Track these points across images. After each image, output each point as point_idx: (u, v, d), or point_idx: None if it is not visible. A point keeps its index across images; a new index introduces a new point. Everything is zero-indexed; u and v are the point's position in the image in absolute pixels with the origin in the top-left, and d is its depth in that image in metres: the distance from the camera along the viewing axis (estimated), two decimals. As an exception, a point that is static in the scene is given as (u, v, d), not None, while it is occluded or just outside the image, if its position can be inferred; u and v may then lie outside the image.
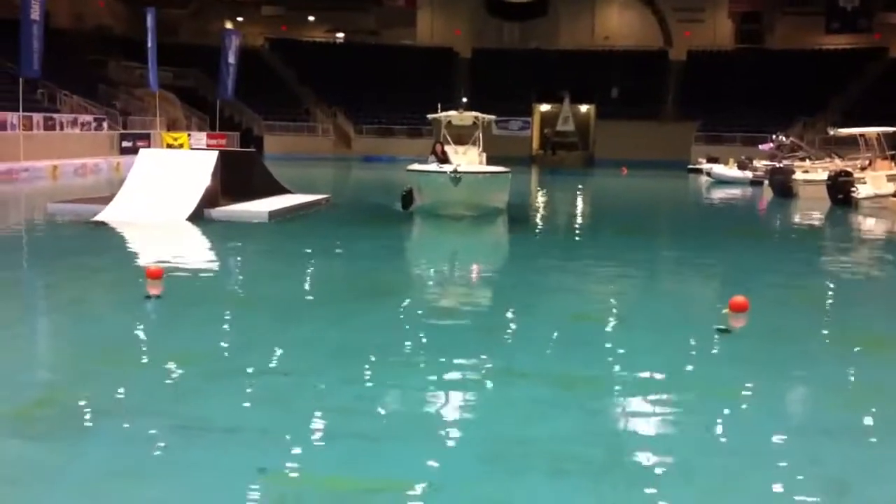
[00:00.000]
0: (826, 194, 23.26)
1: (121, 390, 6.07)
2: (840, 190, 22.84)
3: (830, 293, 11.01)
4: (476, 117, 20.54)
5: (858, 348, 7.90)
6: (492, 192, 17.58)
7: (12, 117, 30.37)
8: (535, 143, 57.98)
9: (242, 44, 44.42)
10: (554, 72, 57.47)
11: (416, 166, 17.98)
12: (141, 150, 19.09)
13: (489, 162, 19.83)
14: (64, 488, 4.48)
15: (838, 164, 27.26)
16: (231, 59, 40.96)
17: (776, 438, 5.34)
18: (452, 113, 20.47)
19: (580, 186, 34.61)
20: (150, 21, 35.72)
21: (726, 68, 56.37)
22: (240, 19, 61.63)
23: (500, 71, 57.41)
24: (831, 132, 29.54)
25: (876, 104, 44.14)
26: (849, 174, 23.48)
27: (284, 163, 35.78)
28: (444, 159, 18.47)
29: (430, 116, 21.20)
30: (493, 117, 21.45)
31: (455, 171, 15.97)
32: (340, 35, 64.30)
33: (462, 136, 21.41)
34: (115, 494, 4.43)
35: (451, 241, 15.50)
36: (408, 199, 17.92)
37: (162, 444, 5.08)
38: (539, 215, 21.63)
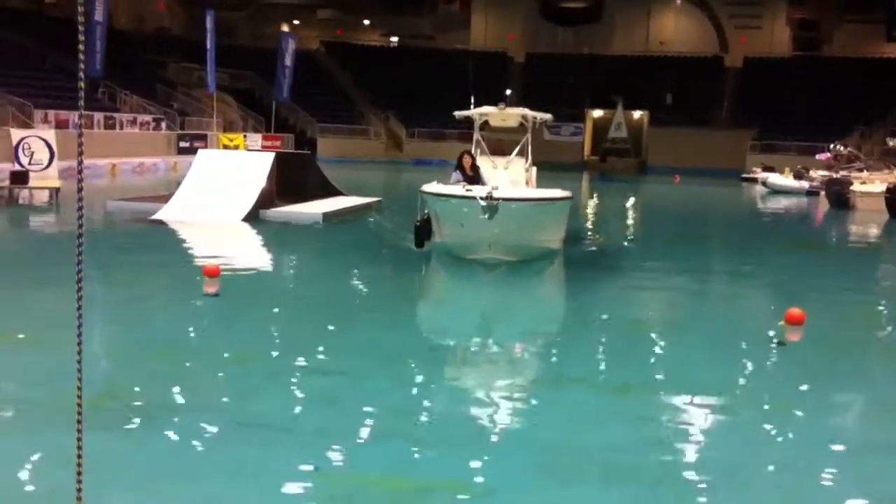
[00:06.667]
0: (884, 206, 22.85)
1: (181, 386, 6.22)
2: (899, 202, 22.44)
3: (888, 309, 10.84)
4: (524, 117, 15.04)
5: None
6: (542, 227, 12.46)
7: (74, 116, 31.06)
8: (587, 149, 57.70)
9: (298, 46, 44.89)
10: (607, 77, 57.17)
11: (433, 186, 12.49)
12: (199, 151, 19.46)
13: (539, 177, 15.24)
14: (126, 479, 4.61)
15: (898, 175, 26.76)
16: (287, 62, 41.43)
17: (831, 453, 5.30)
18: (490, 109, 14.91)
19: (633, 194, 34.39)
20: (209, 23, 36.28)
21: (783, 76, 55.52)
22: (296, 22, 62.27)
23: (553, 76, 57.24)
24: (891, 143, 28.97)
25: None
26: (908, 186, 23.04)
27: (337, 165, 36.07)
28: (473, 177, 13.29)
29: (458, 114, 15.69)
30: (548, 116, 15.81)
31: (489, 197, 11.06)
32: (394, 39, 64.67)
33: (504, 144, 16.51)
34: (173, 487, 4.55)
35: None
36: (424, 231, 12.83)
37: (219, 440, 5.21)
38: (591, 220, 21.51)
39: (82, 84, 2.64)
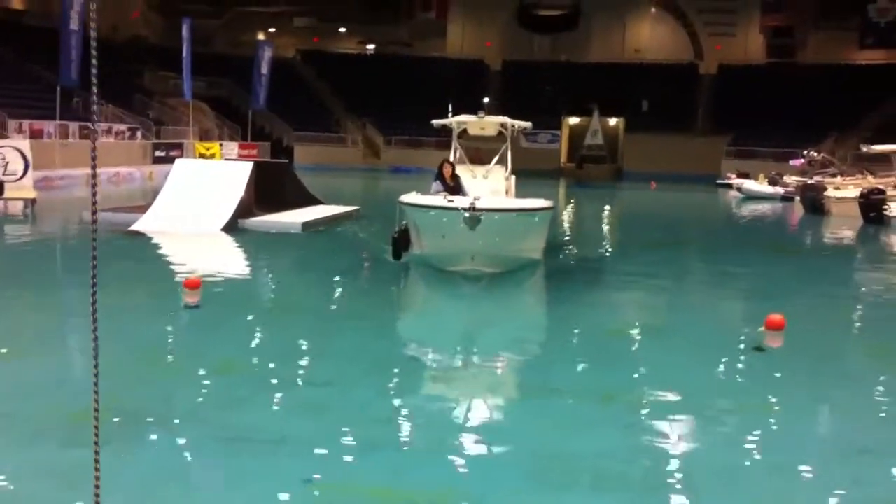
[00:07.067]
0: (858, 212, 23.10)
1: (167, 398, 6.19)
2: (872, 207, 22.69)
3: (866, 313, 10.96)
4: (503, 125, 14.83)
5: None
6: (524, 237, 12.19)
7: (49, 126, 30.84)
8: (564, 156, 58.01)
9: (274, 55, 44.83)
10: (584, 84, 57.51)
11: (412, 197, 12.23)
12: (177, 161, 19.34)
13: (516, 185, 14.91)
14: (115, 494, 4.57)
15: (871, 181, 27.07)
16: (264, 70, 41.39)
17: (819, 457, 5.37)
18: (468, 118, 14.66)
19: (611, 201, 34.58)
20: (186, 31, 36.16)
21: (757, 82, 56.09)
22: (272, 30, 62.18)
23: (530, 83, 57.52)
24: (864, 149, 29.30)
25: (909, 120, 43.76)
26: (881, 192, 23.32)
27: (314, 173, 35.99)
28: (454, 187, 13.03)
29: (436, 122, 15.57)
30: (527, 124, 15.66)
31: (472, 208, 10.77)
32: (371, 46, 64.75)
33: (482, 152, 16.19)
34: (164, 501, 4.53)
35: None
36: (402, 242, 12.58)
37: (208, 453, 5.19)
38: (570, 229, 21.58)
39: (95, 98, 2.64)
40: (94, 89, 2.53)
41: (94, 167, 2.61)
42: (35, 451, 5.11)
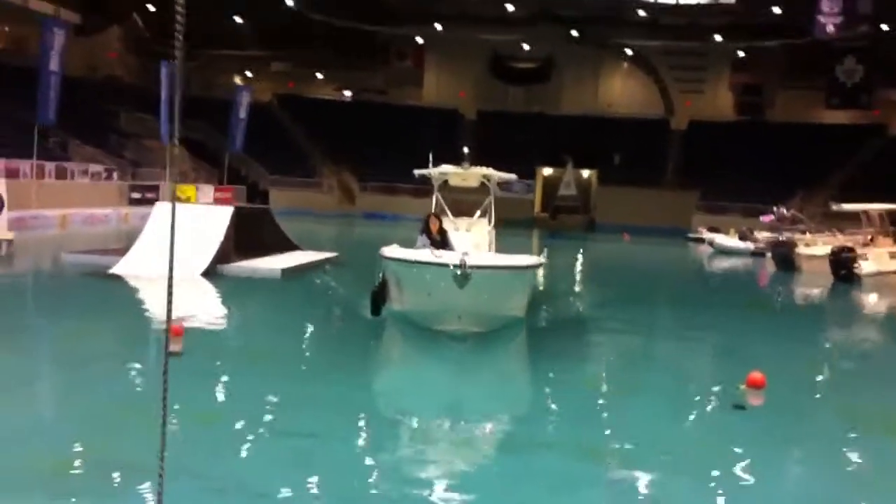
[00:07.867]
0: (828, 269, 23.43)
1: (153, 449, 6.14)
2: (843, 265, 23.03)
3: (842, 371, 11.16)
4: (485, 176, 14.57)
5: (876, 427, 8.01)
6: (512, 295, 11.59)
7: (25, 165, 30.67)
8: (538, 206, 58.50)
9: (251, 99, 45.01)
10: (557, 136, 58.18)
11: (395, 251, 11.62)
12: (156, 204, 19.28)
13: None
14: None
15: (840, 238, 27.53)
16: (242, 115, 41.53)
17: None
18: (451, 168, 14.38)
19: (586, 253, 34.81)
20: (164, 74, 36.20)
21: (727, 138, 57.07)
22: (248, 74, 62.47)
23: (504, 134, 58.05)
24: (833, 207, 29.79)
25: (874, 180, 44.62)
26: (851, 250, 23.72)
27: (289, 217, 35.98)
28: (441, 242, 12.38)
29: (417, 172, 15.13)
30: (511, 177, 15.67)
31: (463, 265, 10.16)
32: (348, 93, 65.22)
33: (460, 203, 15.62)
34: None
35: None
36: (381, 298, 12.16)
37: (197, 505, 5.19)
38: (549, 283, 21.58)
39: (175, 144, 2.69)
40: (176, 143, 2.57)
41: (172, 228, 2.66)
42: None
